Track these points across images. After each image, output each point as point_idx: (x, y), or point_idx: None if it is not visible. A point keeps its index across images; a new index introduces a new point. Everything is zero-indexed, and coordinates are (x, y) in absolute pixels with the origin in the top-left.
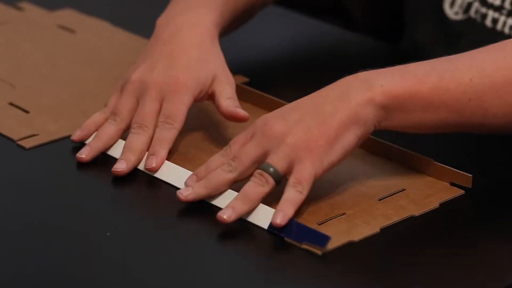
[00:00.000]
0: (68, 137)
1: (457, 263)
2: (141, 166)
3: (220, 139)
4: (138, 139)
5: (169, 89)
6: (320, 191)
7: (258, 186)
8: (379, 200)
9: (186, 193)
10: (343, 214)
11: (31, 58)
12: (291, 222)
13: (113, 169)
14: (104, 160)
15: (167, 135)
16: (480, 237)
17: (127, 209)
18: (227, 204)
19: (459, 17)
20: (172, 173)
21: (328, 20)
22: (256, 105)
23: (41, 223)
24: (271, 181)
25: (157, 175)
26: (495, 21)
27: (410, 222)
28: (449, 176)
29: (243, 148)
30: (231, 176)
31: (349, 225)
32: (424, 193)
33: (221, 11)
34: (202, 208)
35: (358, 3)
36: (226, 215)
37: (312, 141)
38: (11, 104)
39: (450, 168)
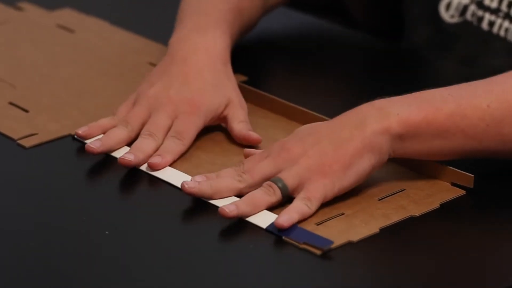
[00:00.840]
0: (68, 136)
1: (457, 264)
2: (143, 167)
3: (219, 138)
4: (147, 143)
5: (183, 110)
6: None
7: (265, 195)
8: (379, 200)
9: (190, 185)
10: (342, 214)
11: (30, 58)
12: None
13: (120, 157)
14: (104, 159)
15: (175, 147)
16: (481, 237)
17: (127, 209)
18: (232, 202)
19: (455, 20)
20: (174, 175)
21: (327, 18)
22: (255, 104)
23: (41, 222)
24: (279, 194)
25: (158, 175)
26: (491, 24)
27: (410, 222)
28: (451, 176)
29: (256, 164)
30: (239, 185)
31: (348, 225)
32: (425, 193)
33: (231, 33)
34: (202, 208)
35: (358, 3)
36: (228, 209)
37: (326, 165)
38: (11, 103)
39: (451, 168)
